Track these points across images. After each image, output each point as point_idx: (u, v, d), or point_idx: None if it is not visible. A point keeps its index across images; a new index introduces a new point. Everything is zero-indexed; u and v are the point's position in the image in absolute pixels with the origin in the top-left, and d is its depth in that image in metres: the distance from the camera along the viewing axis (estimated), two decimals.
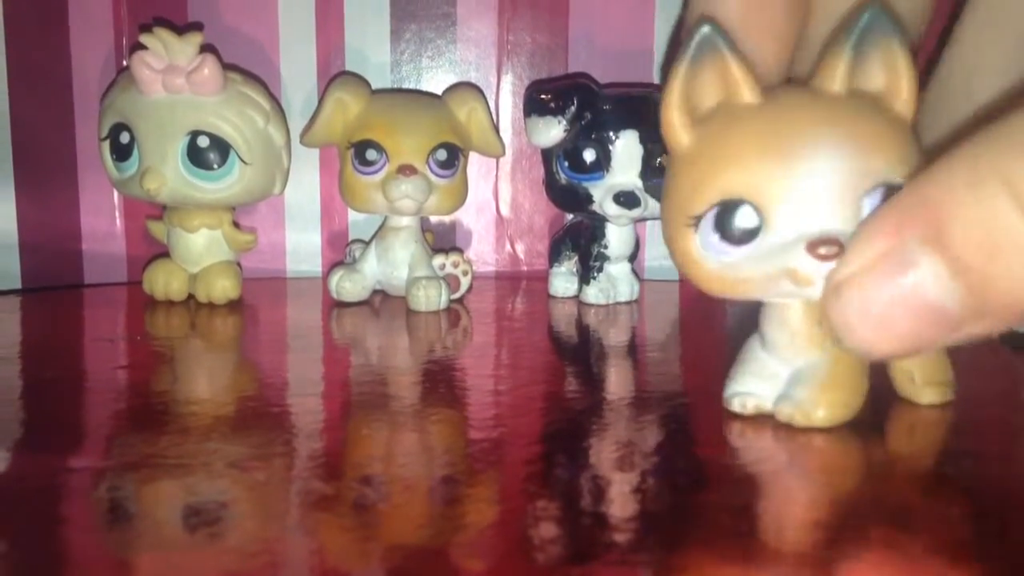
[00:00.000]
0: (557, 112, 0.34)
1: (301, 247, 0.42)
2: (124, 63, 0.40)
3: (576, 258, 0.37)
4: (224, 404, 0.24)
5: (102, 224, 0.42)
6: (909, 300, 0.14)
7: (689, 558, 0.15)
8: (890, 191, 0.18)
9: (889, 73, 0.19)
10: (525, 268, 0.43)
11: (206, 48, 0.33)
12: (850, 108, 0.19)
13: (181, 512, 0.16)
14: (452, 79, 0.41)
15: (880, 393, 0.21)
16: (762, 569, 0.14)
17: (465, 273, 0.36)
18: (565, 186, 0.35)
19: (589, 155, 0.33)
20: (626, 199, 0.33)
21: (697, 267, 0.20)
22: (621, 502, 0.17)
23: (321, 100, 0.36)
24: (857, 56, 0.19)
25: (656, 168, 0.33)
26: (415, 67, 0.41)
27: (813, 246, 0.18)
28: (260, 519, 0.16)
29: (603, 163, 0.33)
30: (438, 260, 0.36)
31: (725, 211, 0.19)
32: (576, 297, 0.37)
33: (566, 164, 0.34)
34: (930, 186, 0.14)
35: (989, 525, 0.17)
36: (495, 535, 0.16)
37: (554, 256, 0.38)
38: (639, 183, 0.33)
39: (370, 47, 0.41)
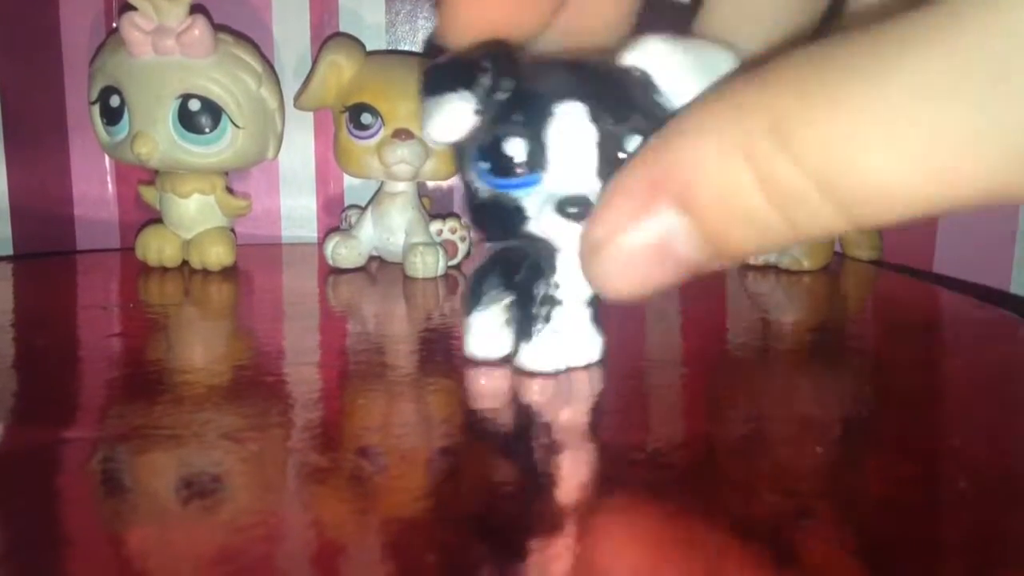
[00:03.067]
0: (463, 86, 0.20)
1: (296, 212, 0.42)
2: (113, 25, 0.39)
3: (509, 301, 0.23)
4: (219, 373, 0.23)
5: (94, 189, 0.41)
6: (662, 256, 0.16)
7: (688, 529, 0.15)
8: None
9: None
10: None
11: (196, 9, 0.32)
12: None
13: (175, 484, 0.16)
14: None
15: None
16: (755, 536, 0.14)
17: (463, 239, 0.36)
18: (486, 200, 0.21)
19: (514, 147, 0.20)
20: (577, 207, 0.19)
21: None
22: (622, 473, 0.17)
23: (315, 63, 0.35)
24: None
25: (618, 161, 0.19)
26: (411, 28, 0.40)
27: None
28: (255, 491, 0.16)
29: (537, 157, 0.20)
30: (435, 226, 0.36)
31: None
32: (504, 360, 0.23)
33: (485, 166, 0.20)
34: (682, 150, 0.15)
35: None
36: (493, 507, 0.16)
37: (474, 300, 0.23)
38: (596, 184, 0.19)
39: (365, 8, 0.40)
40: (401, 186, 0.35)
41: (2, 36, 0.38)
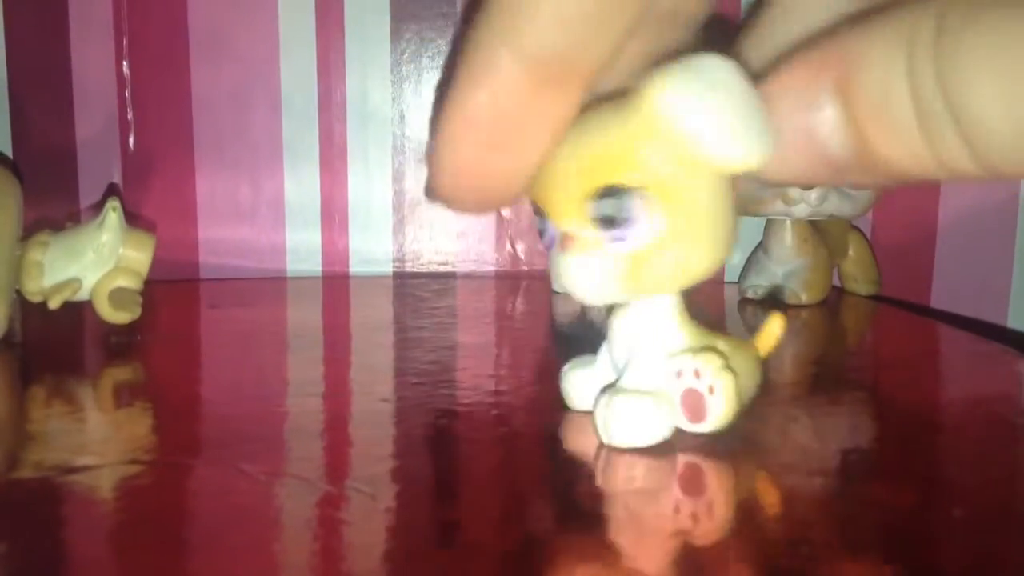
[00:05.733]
0: None
1: (301, 247, 0.42)
2: (124, 64, 0.40)
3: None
4: (224, 404, 0.24)
5: None
6: (805, 136, 0.15)
7: (690, 558, 0.15)
8: None
9: None
10: (525, 268, 0.43)
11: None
12: None
13: (181, 513, 0.16)
14: None
15: None
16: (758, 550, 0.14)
17: (711, 391, 0.19)
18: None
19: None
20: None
21: None
22: (622, 501, 0.17)
23: None
24: None
25: None
26: (415, 67, 0.41)
27: None
28: (261, 520, 0.16)
29: None
30: (673, 363, 0.20)
31: None
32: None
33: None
34: (852, 41, 0.15)
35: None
36: (496, 536, 0.16)
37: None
38: None
39: (370, 47, 0.41)
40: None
41: (14, 74, 0.39)
